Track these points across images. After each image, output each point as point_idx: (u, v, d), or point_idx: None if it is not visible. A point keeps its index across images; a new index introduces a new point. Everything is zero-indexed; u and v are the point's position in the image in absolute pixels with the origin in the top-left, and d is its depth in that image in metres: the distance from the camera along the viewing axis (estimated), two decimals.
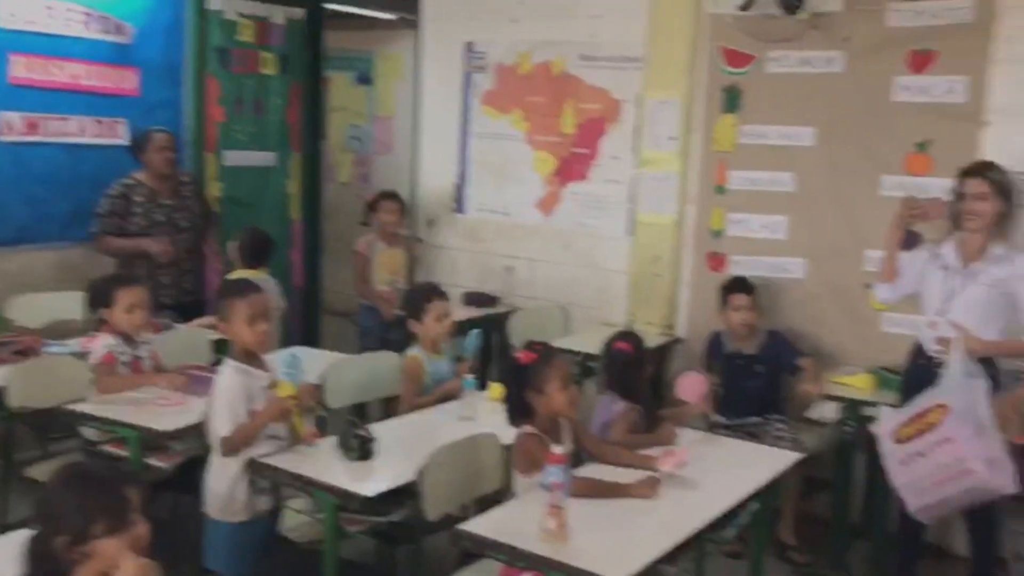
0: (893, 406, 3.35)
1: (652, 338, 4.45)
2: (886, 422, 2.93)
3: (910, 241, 3.64)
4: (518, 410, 2.71)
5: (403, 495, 2.69)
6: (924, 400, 2.83)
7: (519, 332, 4.71)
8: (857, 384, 3.83)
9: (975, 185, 3.31)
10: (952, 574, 3.72)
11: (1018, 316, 3.29)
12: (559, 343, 4.43)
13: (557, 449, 2.34)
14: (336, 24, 6.68)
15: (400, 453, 2.89)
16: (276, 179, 5.78)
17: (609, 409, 3.16)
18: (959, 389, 2.84)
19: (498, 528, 2.39)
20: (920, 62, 4.00)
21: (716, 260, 4.55)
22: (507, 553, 2.30)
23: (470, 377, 3.37)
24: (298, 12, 5.74)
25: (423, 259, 5.41)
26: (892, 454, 2.84)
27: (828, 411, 3.86)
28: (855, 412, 3.72)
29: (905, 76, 4.03)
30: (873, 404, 3.66)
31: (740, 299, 4.10)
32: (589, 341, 4.51)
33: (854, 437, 3.75)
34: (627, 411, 3.10)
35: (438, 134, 5.43)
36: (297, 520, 3.10)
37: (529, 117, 5.09)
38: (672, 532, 2.42)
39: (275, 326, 4.39)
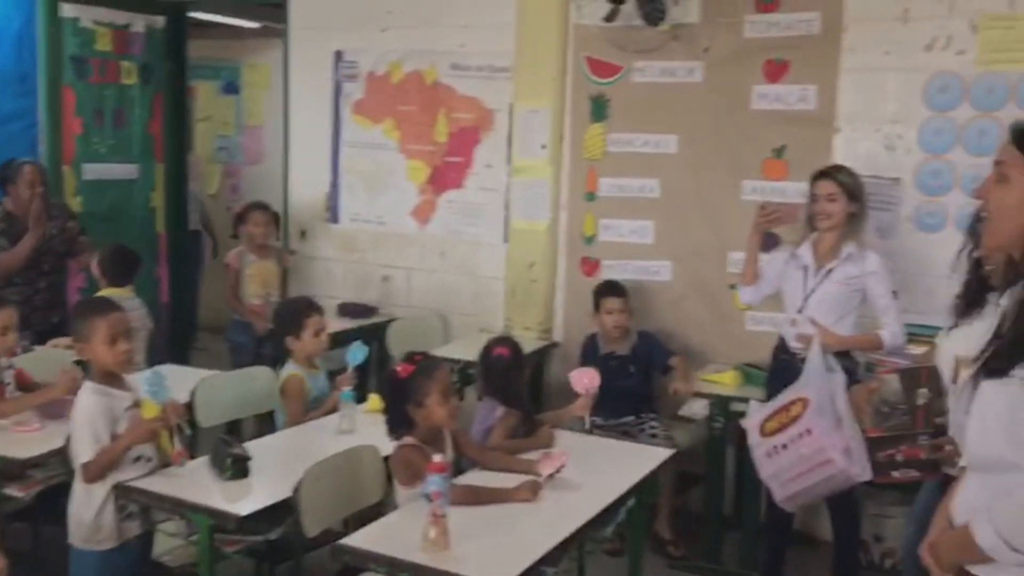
0: (761, 401, 3.50)
1: (529, 343, 4.50)
2: (753, 416, 3.05)
3: (769, 243, 3.82)
4: (398, 422, 2.70)
5: (281, 512, 2.64)
6: (786, 394, 2.97)
7: (398, 342, 4.69)
8: (724, 381, 3.98)
9: (825, 187, 3.50)
10: (818, 558, 3.90)
11: (871, 310, 3.50)
12: (439, 351, 4.44)
13: (437, 458, 2.34)
14: (200, 33, 6.53)
15: (277, 469, 2.83)
16: (140, 192, 5.59)
17: (489, 415, 3.19)
18: (818, 383, 2.99)
19: (379, 540, 2.37)
20: (775, 72, 4.20)
21: (589, 265, 4.65)
22: (388, 564, 2.28)
23: (348, 389, 3.33)
24: (159, 20, 5.57)
25: (297, 270, 5.32)
26: (758, 447, 2.97)
27: (698, 408, 4.00)
28: (724, 408, 3.86)
29: (762, 85, 4.22)
30: (741, 400, 3.82)
31: (612, 302, 4.21)
32: (469, 348, 4.53)
33: (724, 432, 3.89)
34: (506, 416, 3.13)
35: (309, 144, 5.35)
36: (170, 544, 2.99)
37: (401, 126, 5.08)
38: (553, 533, 2.46)
39: (142, 345, 4.24)
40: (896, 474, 2.41)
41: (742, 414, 3.84)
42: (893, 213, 4.03)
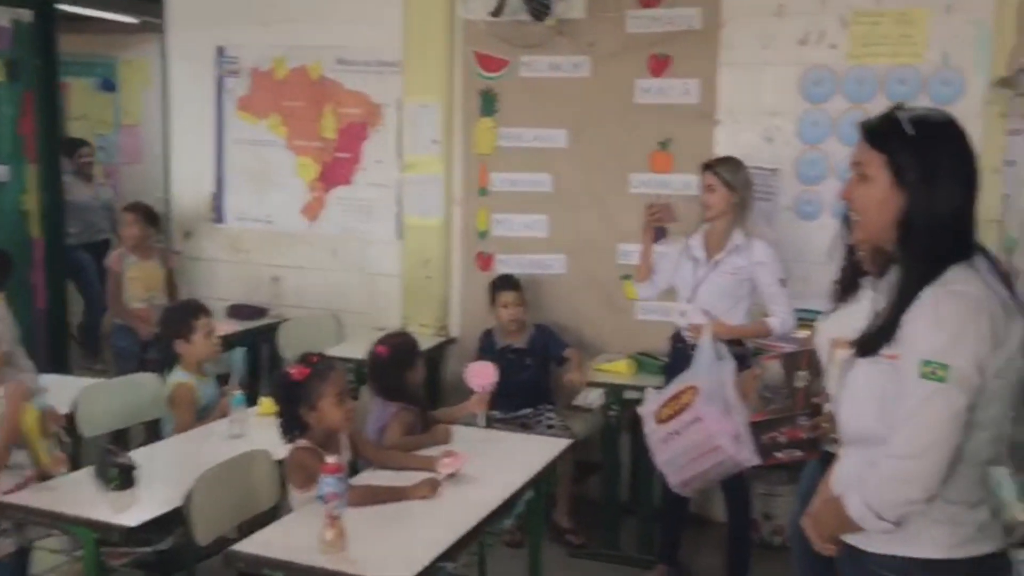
0: (657, 388, 3.56)
1: (426, 339, 4.49)
2: (649, 404, 3.11)
3: (657, 236, 3.89)
4: (292, 425, 2.65)
5: (171, 522, 2.56)
6: (677, 383, 3.03)
7: (290, 343, 4.61)
8: (618, 370, 4.05)
9: (705, 178, 3.59)
10: (712, 539, 4.02)
11: (760, 298, 3.61)
12: (333, 351, 4.38)
13: (331, 459, 2.31)
14: (72, 28, 6.26)
15: (165, 478, 2.75)
16: (9, 195, 5.31)
17: (383, 413, 3.15)
18: (707, 371, 3.07)
19: (274, 545, 2.32)
20: (658, 66, 4.29)
21: (484, 260, 4.66)
22: (284, 569, 2.24)
23: (238, 393, 3.25)
24: (26, 14, 5.29)
25: (181, 272, 5.15)
26: (653, 434, 3.02)
27: (594, 397, 4.06)
28: (618, 396, 3.93)
29: (645, 79, 4.30)
30: (634, 388, 3.90)
31: (507, 296, 4.23)
32: (363, 347, 4.47)
33: (619, 420, 3.96)
34: (400, 413, 3.10)
35: (191, 142, 5.19)
36: (54, 561, 2.87)
37: (287, 122, 4.98)
38: (452, 529, 2.45)
39: (18, 353, 4.04)
40: (780, 455, 2.49)
41: (636, 402, 3.91)
42: (773, 202, 4.16)
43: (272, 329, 4.76)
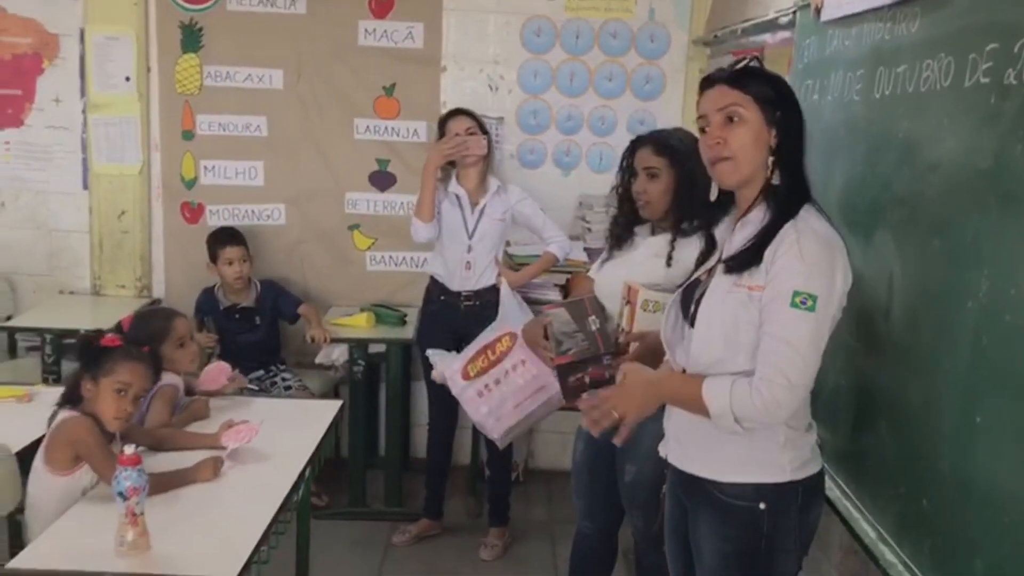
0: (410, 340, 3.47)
1: (126, 302, 4.09)
2: (444, 365, 3.00)
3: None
4: (69, 397, 2.29)
5: None
6: (484, 337, 2.97)
7: None
8: (357, 324, 3.92)
9: (463, 122, 3.50)
10: (460, 483, 4.10)
11: (533, 232, 3.69)
12: (11, 323, 3.84)
13: (129, 449, 1.99)
14: None
15: None
16: None
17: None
18: (518, 317, 3.07)
19: (57, 555, 1.97)
20: (381, 8, 4.13)
21: (191, 211, 4.24)
22: None
23: None
24: None
25: None
26: (464, 391, 2.92)
27: (338, 354, 3.90)
28: (364, 351, 3.81)
29: (369, 20, 4.13)
30: (380, 341, 3.82)
31: (232, 251, 3.89)
32: (51, 315, 3.98)
33: (364, 375, 3.84)
34: (162, 389, 2.74)
35: None
36: None
37: None
38: (259, 509, 2.23)
39: None
40: (584, 396, 2.52)
41: (380, 355, 3.86)
42: (498, 151, 4.23)
43: None
